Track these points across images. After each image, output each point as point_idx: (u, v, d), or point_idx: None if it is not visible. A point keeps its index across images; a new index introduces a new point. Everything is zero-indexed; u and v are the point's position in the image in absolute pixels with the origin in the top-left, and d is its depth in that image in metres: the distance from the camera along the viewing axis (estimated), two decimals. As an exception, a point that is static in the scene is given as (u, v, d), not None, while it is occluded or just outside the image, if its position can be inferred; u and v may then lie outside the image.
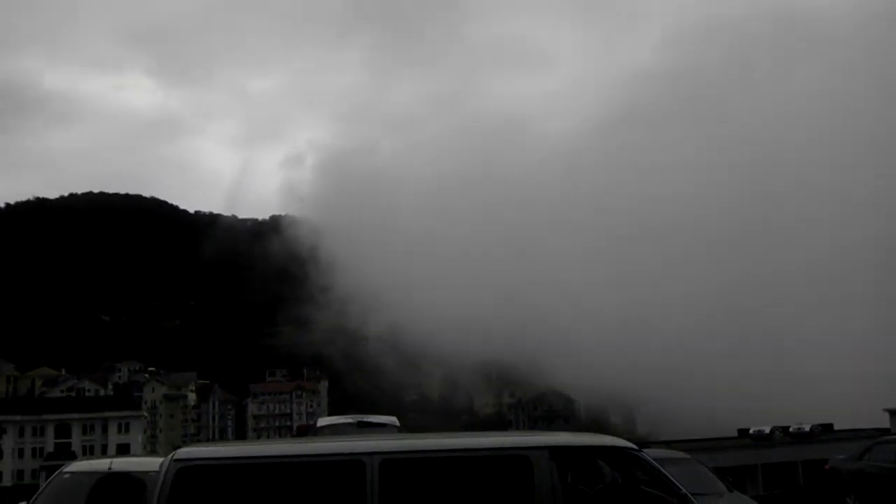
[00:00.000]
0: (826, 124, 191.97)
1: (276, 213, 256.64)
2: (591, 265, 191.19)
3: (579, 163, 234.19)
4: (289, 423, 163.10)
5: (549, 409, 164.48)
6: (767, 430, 58.08)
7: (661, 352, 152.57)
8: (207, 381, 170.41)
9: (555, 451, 7.51)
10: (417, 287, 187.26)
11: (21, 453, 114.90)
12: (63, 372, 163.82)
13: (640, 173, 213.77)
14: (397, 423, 15.78)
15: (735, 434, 59.35)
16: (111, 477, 10.39)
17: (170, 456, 7.56)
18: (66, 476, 11.07)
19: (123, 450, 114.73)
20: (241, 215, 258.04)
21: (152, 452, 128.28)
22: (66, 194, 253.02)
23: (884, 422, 55.44)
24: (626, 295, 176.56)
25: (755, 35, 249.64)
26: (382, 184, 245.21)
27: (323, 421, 16.52)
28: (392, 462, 7.22)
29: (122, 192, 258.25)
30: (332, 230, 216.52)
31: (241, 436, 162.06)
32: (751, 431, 58.53)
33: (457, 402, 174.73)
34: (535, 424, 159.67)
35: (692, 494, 7.67)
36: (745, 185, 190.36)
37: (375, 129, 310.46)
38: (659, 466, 7.71)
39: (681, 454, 14.48)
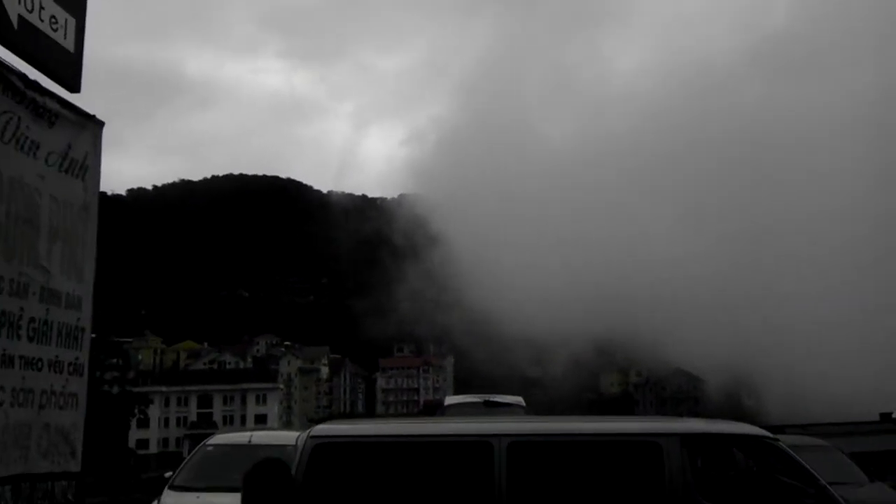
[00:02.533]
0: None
1: (404, 191, 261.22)
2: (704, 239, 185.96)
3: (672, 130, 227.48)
4: (416, 398, 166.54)
5: (677, 389, 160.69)
6: (914, 414, 54.87)
7: (789, 329, 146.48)
8: (339, 356, 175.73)
9: (686, 438, 7.39)
10: (536, 266, 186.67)
11: (166, 422, 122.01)
12: (205, 345, 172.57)
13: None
14: (523, 403, 15.75)
15: (877, 418, 56.25)
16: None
17: (307, 432, 7.88)
18: (210, 448, 11.73)
19: (261, 420, 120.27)
20: (371, 194, 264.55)
21: (287, 423, 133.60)
22: (208, 176, 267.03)
23: None
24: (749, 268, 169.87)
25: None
26: (503, 160, 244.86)
27: (450, 399, 16.65)
28: (520, 445, 7.28)
29: (261, 173, 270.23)
30: (453, 208, 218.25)
31: (370, 409, 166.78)
32: (894, 415, 55.45)
33: (581, 380, 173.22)
34: (662, 405, 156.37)
35: (830, 484, 7.38)
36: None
37: (500, 104, 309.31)
38: (795, 455, 7.45)
39: (818, 441, 13.89)
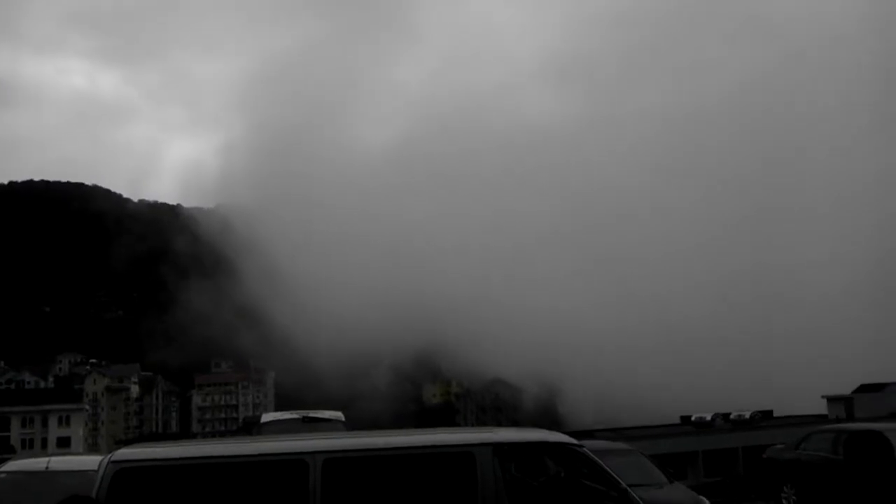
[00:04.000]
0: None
1: (218, 200, 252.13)
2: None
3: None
4: (235, 416, 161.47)
5: (496, 398, 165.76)
6: (709, 416, 59.54)
7: (597, 333, 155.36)
8: (150, 373, 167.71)
9: (498, 447, 7.59)
10: (353, 277, 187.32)
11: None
12: (2, 364, 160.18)
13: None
14: (342, 418, 15.75)
15: (678, 421, 60.61)
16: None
17: (107, 457, 7.43)
18: (3, 476, 10.92)
19: (64, 443, 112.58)
20: (187, 204, 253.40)
21: (93, 447, 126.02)
22: (5, 182, 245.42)
23: (824, 409, 57.45)
24: (563, 283, 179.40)
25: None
26: (318, 168, 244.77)
27: (267, 416, 16.42)
28: (335, 461, 7.20)
29: (65, 179, 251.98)
30: (267, 217, 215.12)
31: (185, 428, 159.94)
32: (692, 418, 59.89)
33: (405, 392, 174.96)
34: (483, 414, 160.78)
35: (632, 486, 7.87)
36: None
37: (316, 112, 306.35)
38: (599, 461, 7.84)
39: (622, 445, 14.74)
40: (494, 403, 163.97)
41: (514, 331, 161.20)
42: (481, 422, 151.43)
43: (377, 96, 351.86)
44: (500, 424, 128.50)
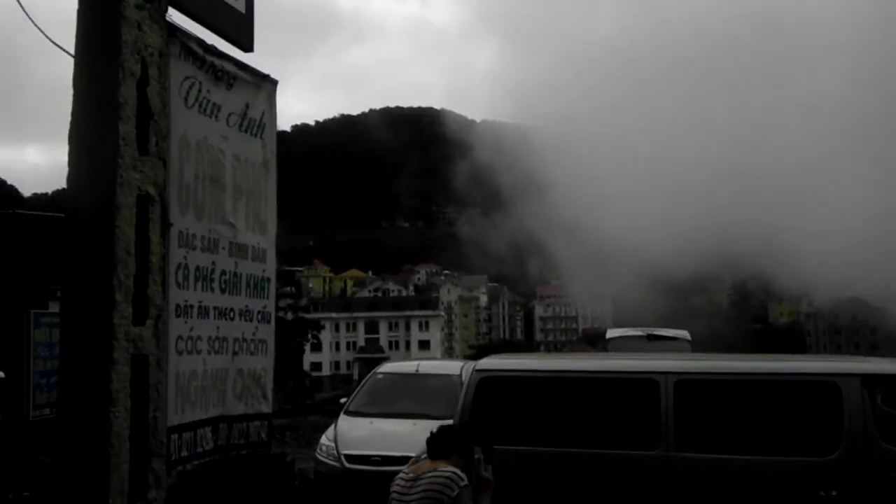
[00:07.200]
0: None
1: (551, 117, 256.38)
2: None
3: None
4: (574, 326, 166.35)
5: (852, 318, 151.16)
6: None
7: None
8: (497, 284, 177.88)
9: (867, 378, 7.02)
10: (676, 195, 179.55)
11: (337, 346, 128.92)
12: (370, 274, 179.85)
13: None
14: (689, 338, 15.24)
15: None
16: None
17: (472, 366, 8.11)
18: (380, 376, 12.43)
19: (424, 345, 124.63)
20: (520, 121, 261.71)
21: (449, 349, 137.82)
22: (366, 110, 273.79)
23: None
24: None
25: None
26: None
27: (612, 332, 16.33)
28: (687, 383, 7.14)
29: (415, 105, 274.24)
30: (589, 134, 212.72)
31: (529, 336, 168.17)
32: None
33: (749, 310, 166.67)
34: (837, 335, 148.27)
35: None
36: None
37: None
38: None
39: None
40: (851, 325, 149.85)
41: (871, 244, 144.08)
42: (835, 344, 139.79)
43: None
44: (856, 347, 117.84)
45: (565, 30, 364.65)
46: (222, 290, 4.50)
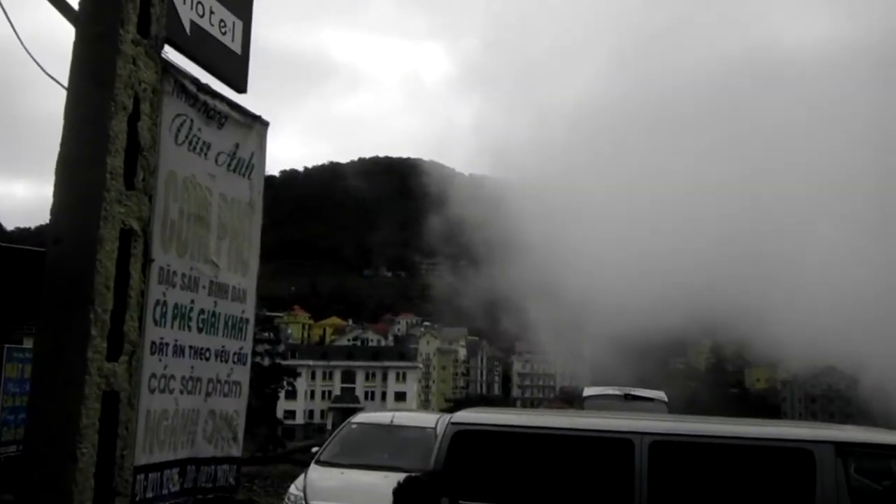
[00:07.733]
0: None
1: (527, 171, 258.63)
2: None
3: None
4: (552, 383, 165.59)
5: (828, 387, 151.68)
6: None
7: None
8: (476, 338, 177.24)
9: (840, 446, 7.02)
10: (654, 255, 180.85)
11: (312, 395, 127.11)
12: (350, 322, 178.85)
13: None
14: (665, 399, 15.24)
15: None
16: None
17: (448, 418, 8.05)
18: (354, 426, 12.27)
19: (400, 397, 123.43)
20: (496, 175, 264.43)
21: (426, 402, 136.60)
22: (354, 159, 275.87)
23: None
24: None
25: None
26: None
27: (589, 390, 16.32)
28: (662, 444, 7.12)
29: (405, 155, 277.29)
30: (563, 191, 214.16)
31: (506, 392, 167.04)
32: None
33: (726, 374, 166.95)
34: (812, 403, 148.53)
35: None
36: None
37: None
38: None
39: None
40: (826, 393, 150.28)
41: (847, 314, 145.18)
42: (810, 412, 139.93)
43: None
44: (831, 416, 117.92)
45: (548, 88, 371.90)
46: (199, 329, 4.45)
